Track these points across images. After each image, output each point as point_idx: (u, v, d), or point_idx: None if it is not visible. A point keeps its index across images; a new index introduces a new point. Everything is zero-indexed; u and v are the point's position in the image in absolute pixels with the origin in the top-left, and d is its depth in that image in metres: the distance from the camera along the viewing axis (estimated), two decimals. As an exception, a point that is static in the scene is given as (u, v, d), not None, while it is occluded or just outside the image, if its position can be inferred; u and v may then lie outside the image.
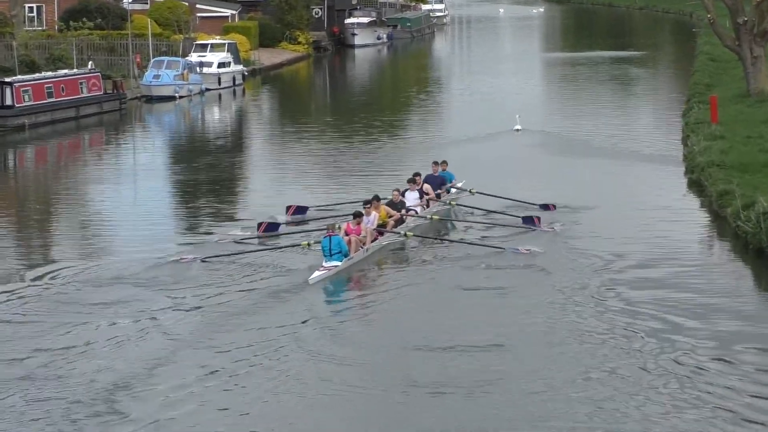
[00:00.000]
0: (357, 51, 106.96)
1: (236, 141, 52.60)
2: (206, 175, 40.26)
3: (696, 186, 34.01)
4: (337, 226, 26.11)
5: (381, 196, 28.72)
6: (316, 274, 23.93)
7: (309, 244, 26.10)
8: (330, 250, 24.75)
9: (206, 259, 25.50)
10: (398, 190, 29.81)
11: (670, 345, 19.22)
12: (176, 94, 65.01)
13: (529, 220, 28.68)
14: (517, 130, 47.55)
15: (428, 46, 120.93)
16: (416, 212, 29.63)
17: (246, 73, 76.43)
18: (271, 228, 28.68)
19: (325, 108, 67.57)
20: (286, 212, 30.59)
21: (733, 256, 26.27)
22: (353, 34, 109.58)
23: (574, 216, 30.01)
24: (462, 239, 27.63)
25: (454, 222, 29.92)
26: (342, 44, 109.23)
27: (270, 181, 38.71)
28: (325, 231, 25.59)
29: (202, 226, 30.74)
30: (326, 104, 70.65)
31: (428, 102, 66.62)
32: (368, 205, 27.38)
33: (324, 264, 24.51)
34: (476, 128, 49.27)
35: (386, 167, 39.80)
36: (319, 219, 29.68)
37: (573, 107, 59.13)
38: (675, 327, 20.24)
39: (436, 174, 32.70)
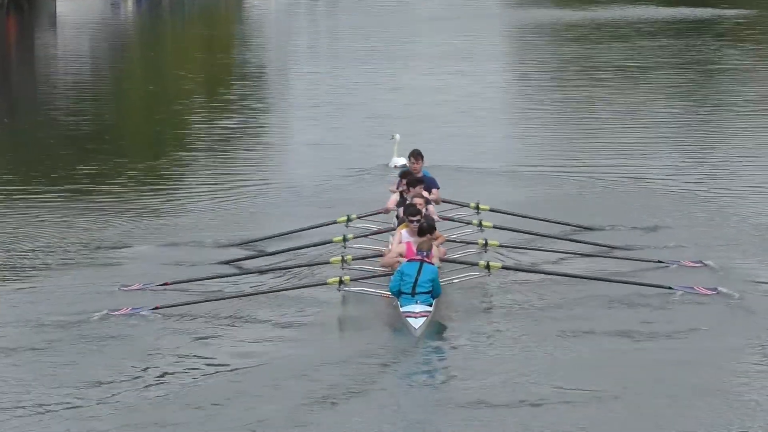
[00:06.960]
0: (60, 7, 62.68)
1: None
2: None
3: None
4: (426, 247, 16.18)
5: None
6: (414, 321, 15.05)
7: (343, 261, 16.77)
8: (416, 284, 15.64)
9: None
10: (425, 197, 18.44)
11: None
12: None
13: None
14: (404, 167, 21.55)
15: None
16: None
17: None
18: None
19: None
20: None
21: None
22: None
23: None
24: (590, 275, 17.08)
25: (532, 251, 18.67)
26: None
27: None
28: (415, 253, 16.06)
29: None
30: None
31: (227, 127, 31.78)
32: (416, 217, 17.09)
33: (406, 308, 15.39)
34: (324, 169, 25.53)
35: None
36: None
37: (591, 134, 29.82)
38: None
39: (419, 174, 19.32)
